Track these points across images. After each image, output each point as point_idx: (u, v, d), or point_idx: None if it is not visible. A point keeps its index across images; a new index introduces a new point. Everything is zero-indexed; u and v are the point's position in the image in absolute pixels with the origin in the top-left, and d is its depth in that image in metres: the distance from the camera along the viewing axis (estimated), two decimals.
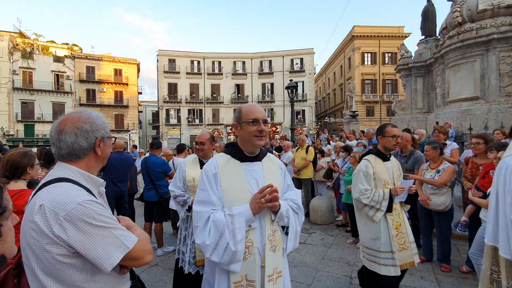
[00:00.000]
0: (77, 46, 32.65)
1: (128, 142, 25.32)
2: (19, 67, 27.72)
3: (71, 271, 0.87)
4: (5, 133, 26.43)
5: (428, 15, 10.93)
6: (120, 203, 4.39)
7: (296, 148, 6.38)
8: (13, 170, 1.94)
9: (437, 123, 8.07)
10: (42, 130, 28.53)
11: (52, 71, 29.11)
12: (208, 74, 34.72)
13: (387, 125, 2.46)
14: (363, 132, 10.60)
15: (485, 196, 2.61)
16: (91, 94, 30.85)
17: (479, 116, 7.74)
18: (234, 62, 35.15)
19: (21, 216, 1.80)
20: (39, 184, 0.95)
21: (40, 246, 0.85)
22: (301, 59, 34.40)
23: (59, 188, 0.90)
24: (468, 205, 3.21)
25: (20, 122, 27.86)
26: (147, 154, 5.07)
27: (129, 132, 30.93)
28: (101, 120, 1.07)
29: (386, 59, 31.57)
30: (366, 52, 31.55)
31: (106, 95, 31.45)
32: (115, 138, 1.15)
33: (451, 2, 9.32)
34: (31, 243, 0.86)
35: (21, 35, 29.63)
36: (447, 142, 4.80)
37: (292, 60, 34.60)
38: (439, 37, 10.38)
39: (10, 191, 1.80)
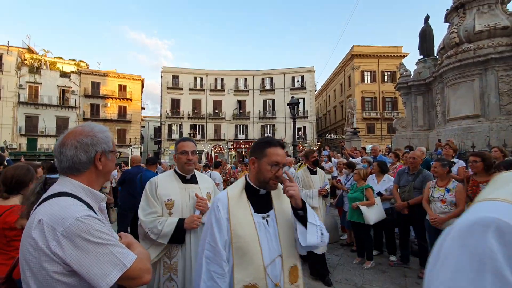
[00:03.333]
0: (83, 62, 33.50)
1: (130, 156, 25.35)
2: (26, 82, 28.29)
3: None
4: (8, 147, 26.54)
5: (426, 35, 11.26)
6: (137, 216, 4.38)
7: (299, 164, 6.37)
8: (17, 185, 1.93)
9: (439, 140, 8.09)
10: (45, 144, 28.65)
11: (58, 86, 29.68)
12: (211, 90, 35.29)
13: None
14: (364, 149, 10.61)
15: None
16: (95, 109, 31.25)
17: (481, 134, 7.76)
18: (236, 79, 35.81)
19: (13, 233, 1.77)
20: (41, 199, 0.94)
21: (37, 262, 0.83)
22: (302, 77, 35.05)
23: (59, 202, 0.89)
24: None
25: (24, 136, 28.04)
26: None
27: (131, 147, 31.01)
28: (104, 134, 1.05)
29: (386, 77, 32.14)
30: (365, 71, 32.18)
31: (110, 110, 31.86)
32: (120, 152, 1.14)
33: (448, 24, 9.64)
34: (28, 259, 0.85)
35: (30, 50, 30.49)
36: (455, 160, 4.79)
37: (293, 77, 35.26)
38: (437, 57, 10.64)
39: (2, 207, 1.79)
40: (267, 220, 1.38)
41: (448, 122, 9.00)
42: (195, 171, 2.14)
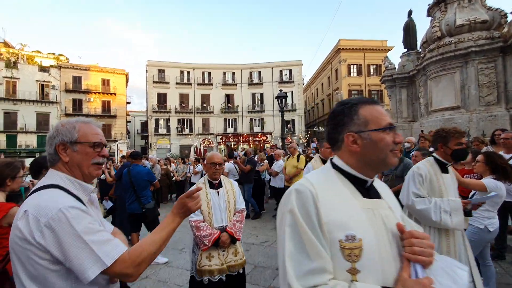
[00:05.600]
0: (63, 56, 32.24)
1: (116, 152, 24.73)
2: (3, 77, 26.91)
3: (55, 278, 0.85)
4: None
5: (409, 29, 11.50)
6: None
7: (287, 156, 6.44)
8: None
9: (422, 131, 8.36)
10: (25, 140, 27.53)
11: (37, 80, 28.42)
12: (198, 84, 34.78)
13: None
14: None
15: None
16: (77, 104, 30.19)
17: (461, 125, 8.08)
18: (224, 73, 35.43)
19: (1, 231, 1.71)
20: (30, 191, 0.95)
21: (24, 252, 0.84)
22: (290, 70, 35.09)
23: (45, 194, 0.90)
24: None
25: (2, 133, 26.83)
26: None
27: (116, 142, 30.27)
28: (68, 126, 1.02)
29: (371, 70, 32.68)
30: (352, 64, 32.58)
31: (93, 105, 30.87)
32: (102, 144, 1.08)
33: (430, 18, 9.86)
34: (16, 250, 0.86)
35: (6, 44, 28.97)
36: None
37: (281, 71, 35.24)
38: (420, 50, 10.90)
39: None
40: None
41: (431, 113, 9.30)
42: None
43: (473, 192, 2.69)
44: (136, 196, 4.13)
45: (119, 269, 0.88)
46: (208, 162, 2.37)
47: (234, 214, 2.36)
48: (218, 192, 2.35)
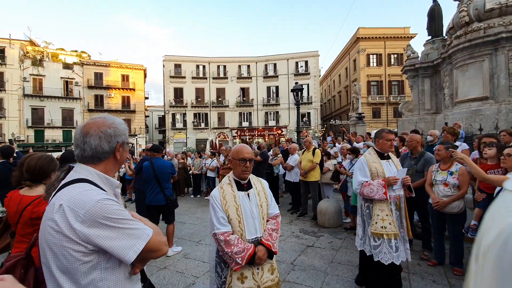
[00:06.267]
0: (85, 53, 33.35)
1: (135, 146, 25.55)
2: (30, 74, 28.40)
3: (86, 269, 0.90)
4: (16, 139, 27.04)
5: (435, 15, 10.83)
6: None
7: (303, 150, 6.36)
8: (39, 175, 1.93)
9: (446, 124, 7.95)
10: (51, 135, 29.08)
11: (61, 77, 29.76)
12: (214, 78, 34.97)
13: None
14: (369, 134, 10.51)
15: (490, 199, 2.52)
16: (99, 100, 31.38)
17: (489, 117, 7.60)
18: (239, 66, 35.34)
19: (40, 222, 1.81)
20: (59, 185, 0.99)
21: (59, 244, 0.88)
22: (306, 62, 34.38)
23: (78, 188, 0.94)
24: (475, 208, 3.17)
25: (31, 128, 28.47)
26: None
27: (136, 137, 31.27)
28: (123, 126, 1.12)
29: (392, 60, 31.31)
30: (371, 54, 31.36)
31: (114, 100, 31.95)
32: (132, 144, 1.20)
33: (457, 2, 9.23)
34: (49, 241, 0.89)
35: (31, 43, 30.39)
36: (457, 143, 4.72)
37: (296, 63, 34.60)
38: (445, 37, 10.28)
39: (29, 197, 1.83)
40: None
41: (456, 105, 8.81)
42: None
43: (498, 189, 2.53)
44: (161, 188, 4.26)
45: (157, 244, 1.00)
46: (235, 157, 1.89)
47: (267, 220, 1.92)
48: (248, 194, 1.88)
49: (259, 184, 2.00)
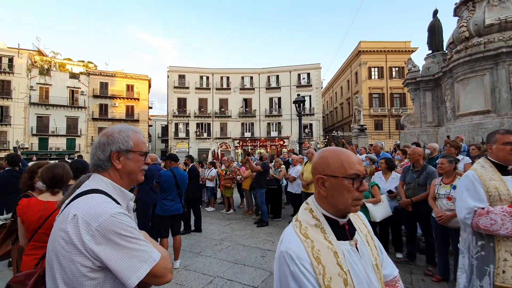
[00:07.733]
0: (92, 63, 34.08)
1: None
2: (36, 83, 28.97)
3: (92, 286, 0.87)
4: (20, 146, 27.26)
5: (435, 30, 11.03)
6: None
7: (305, 162, 6.36)
8: (57, 182, 1.97)
9: (448, 136, 7.96)
10: (55, 143, 29.35)
11: (67, 87, 30.32)
12: (217, 89, 35.44)
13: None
14: (371, 145, 10.50)
15: None
16: (103, 109, 31.81)
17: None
18: (242, 77, 35.85)
19: None
20: (74, 194, 0.97)
21: (67, 256, 0.86)
22: (308, 74, 34.83)
23: (93, 199, 0.92)
24: None
25: (35, 136, 28.77)
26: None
27: None
28: (123, 134, 1.06)
29: (393, 73, 31.67)
30: (372, 67, 31.77)
31: (118, 109, 32.38)
32: (147, 152, 1.14)
33: (457, 18, 9.42)
34: (58, 252, 0.87)
35: (40, 53, 31.17)
36: (460, 156, 4.71)
37: (299, 75, 35.07)
38: (446, 51, 10.42)
39: (53, 202, 1.84)
40: None
41: (458, 118, 8.83)
42: None
43: None
44: (180, 197, 4.30)
45: (162, 270, 0.95)
46: (336, 174, 0.96)
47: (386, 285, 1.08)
48: (356, 245, 0.98)
49: (361, 223, 1.10)
